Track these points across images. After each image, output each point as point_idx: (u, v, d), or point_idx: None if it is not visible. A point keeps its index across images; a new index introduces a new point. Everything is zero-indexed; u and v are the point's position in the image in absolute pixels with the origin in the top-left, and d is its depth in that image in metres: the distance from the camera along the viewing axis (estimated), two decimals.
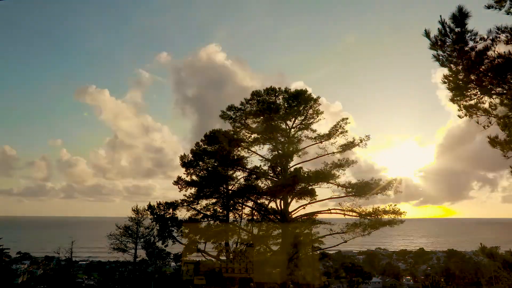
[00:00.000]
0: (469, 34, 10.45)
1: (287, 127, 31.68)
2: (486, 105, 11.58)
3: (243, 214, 32.96)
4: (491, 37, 10.47)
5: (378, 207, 29.68)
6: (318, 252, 32.16)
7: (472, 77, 11.02)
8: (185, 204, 31.90)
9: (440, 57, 10.98)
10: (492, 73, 10.66)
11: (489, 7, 10.37)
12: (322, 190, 31.55)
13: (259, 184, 32.15)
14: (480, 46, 10.61)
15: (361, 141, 30.73)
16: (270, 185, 31.72)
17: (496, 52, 10.53)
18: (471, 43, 10.60)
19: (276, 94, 30.97)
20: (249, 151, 32.36)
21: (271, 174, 31.95)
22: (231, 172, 32.83)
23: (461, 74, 11.12)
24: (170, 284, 36.42)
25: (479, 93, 11.41)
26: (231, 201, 31.94)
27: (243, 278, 31.21)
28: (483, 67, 10.75)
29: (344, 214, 30.19)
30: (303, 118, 31.54)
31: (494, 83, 10.89)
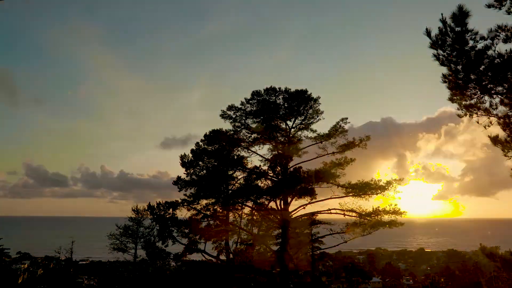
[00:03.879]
0: (469, 33, 10.44)
1: (287, 127, 31.64)
2: (487, 105, 11.56)
3: (243, 214, 32.99)
4: (491, 37, 10.46)
5: (378, 207, 29.70)
6: (318, 252, 32.14)
7: (472, 77, 11.01)
8: (185, 204, 31.88)
9: (440, 56, 10.96)
10: (492, 72, 10.65)
11: (489, 6, 10.36)
12: (322, 190, 31.47)
13: (259, 184, 32.15)
14: (480, 45, 10.59)
15: (361, 141, 30.72)
16: (270, 185, 31.71)
17: (496, 51, 10.52)
18: (471, 43, 10.58)
19: (276, 94, 30.92)
20: (249, 151, 32.37)
21: (271, 174, 31.95)
22: (231, 172, 32.82)
23: (461, 73, 11.10)
24: (170, 284, 36.38)
25: (479, 92, 11.40)
26: (231, 201, 31.91)
27: (243, 278, 31.23)
28: (483, 66, 10.73)
29: (344, 214, 30.18)
30: (303, 118, 31.50)
31: (494, 82, 10.88)
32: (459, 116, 11.75)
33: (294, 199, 31.04)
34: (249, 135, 32.05)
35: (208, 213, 32.40)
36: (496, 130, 11.93)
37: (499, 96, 11.19)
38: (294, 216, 31.03)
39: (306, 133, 31.82)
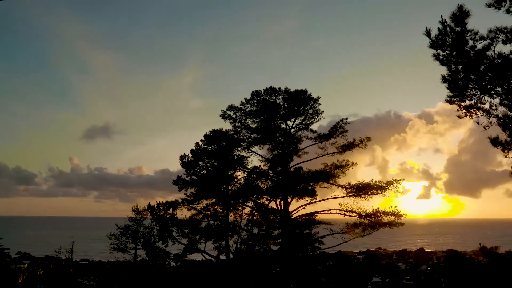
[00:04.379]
0: (469, 33, 10.44)
1: (287, 127, 31.69)
2: (486, 105, 11.55)
3: (243, 214, 32.96)
4: (491, 37, 10.45)
5: (378, 208, 29.73)
6: (318, 252, 32.14)
7: (472, 77, 11.01)
8: (185, 204, 31.90)
9: (440, 56, 10.96)
10: (492, 72, 10.65)
11: (489, 6, 10.35)
12: (322, 190, 31.53)
13: (259, 184, 32.16)
14: (480, 45, 10.59)
15: (361, 141, 30.74)
16: (270, 185, 31.73)
17: (496, 52, 10.52)
18: (471, 43, 10.58)
19: (276, 94, 30.98)
20: (249, 151, 32.41)
21: (271, 174, 31.95)
22: (231, 172, 32.82)
23: (460, 73, 11.10)
24: (170, 284, 36.42)
25: (479, 93, 11.39)
26: (231, 201, 31.93)
27: (243, 278, 31.23)
28: (483, 66, 10.73)
29: (344, 214, 30.21)
30: (303, 118, 31.55)
31: (494, 82, 10.88)
32: (459, 117, 11.74)
33: (294, 199, 31.07)
34: (249, 135, 32.10)
35: (208, 213, 32.42)
36: (496, 130, 11.92)
37: (499, 97, 11.18)
38: (294, 216, 31.04)
39: (306, 133, 31.89)
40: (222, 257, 32.29)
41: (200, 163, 32.22)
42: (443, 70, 11.25)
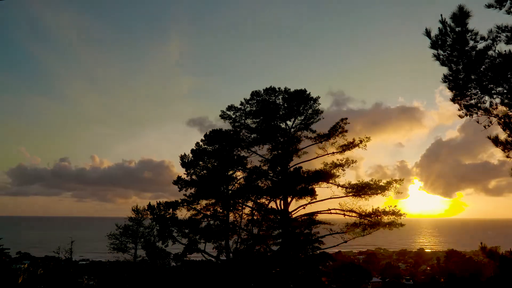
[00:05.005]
0: (469, 33, 10.45)
1: (287, 127, 31.69)
2: (487, 105, 11.56)
3: (243, 214, 32.96)
4: (491, 37, 10.47)
5: (378, 207, 29.75)
6: (318, 252, 32.14)
7: (473, 77, 11.02)
8: (185, 204, 31.89)
9: (441, 57, 10.98)
10: (493, 72, 10.66)
11: (489, 6, 10.36)
12: (322, 190, 31.59)
13: (259, 184, 32.15)
14: (480, 45, 10.60)
15: (361, 141, 30.75)
16: (270, 185, 31.72)
17: (496, 51, 10.53)
18: (471, 43, 10.59)
19: (276, 94, 30.99)
20: (249, 151, 32.38)
21: (271, 174, 31.95)
22: (231, 172, 32.82)
23: (461, 73, 11.11)
24: (170, 284, 36.42)
25: (479, 92, 11.40)
26: (231, 201, 31.92)
27: (243, 278, 31.24)
28: (483, 66, 10.74)
29: (344, 214, 30.22)
30: (302, 118, 31.56)
31: (495, 82, 10.89)
32: (460, 116, 11.76)
33: (294, 199, 31.07)
34: (249, 135, 32.10)
35: (208, 213, 32.42)
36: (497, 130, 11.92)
37: (500, 96, 11.19)
38: (294, 216, 31.04)
39: (306, 133, 31.89)
40: (222, 257, 32.30)
41: (200, 163, 32.21)
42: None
